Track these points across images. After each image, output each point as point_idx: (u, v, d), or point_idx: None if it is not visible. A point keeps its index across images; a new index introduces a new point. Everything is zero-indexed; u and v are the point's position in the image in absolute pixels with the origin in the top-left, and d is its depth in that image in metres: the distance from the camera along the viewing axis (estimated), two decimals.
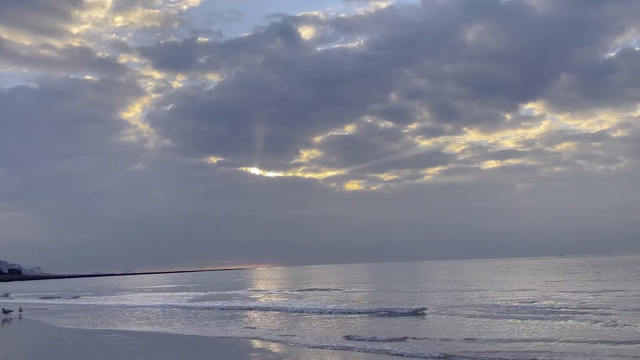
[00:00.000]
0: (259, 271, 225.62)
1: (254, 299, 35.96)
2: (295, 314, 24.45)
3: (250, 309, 27.88)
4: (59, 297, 52.34)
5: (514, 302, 24.06)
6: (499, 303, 23.75)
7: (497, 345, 13.50)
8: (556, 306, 21.66)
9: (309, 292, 41.53)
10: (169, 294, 48.87)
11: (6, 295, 59.09)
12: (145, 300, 40.03)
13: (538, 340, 13.84)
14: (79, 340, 18.70)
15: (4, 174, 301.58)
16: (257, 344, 15.66)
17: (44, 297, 53.98)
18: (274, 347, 14.91)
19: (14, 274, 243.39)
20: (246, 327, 19.44)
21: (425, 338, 15.22)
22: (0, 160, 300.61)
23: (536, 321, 17.38)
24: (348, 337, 16.05)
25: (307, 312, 24.72)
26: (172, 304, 34.19)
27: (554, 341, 13.64)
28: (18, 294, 63.36)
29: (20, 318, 30.04)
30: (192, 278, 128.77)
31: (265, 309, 27.54)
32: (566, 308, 20.78)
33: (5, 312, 30.39)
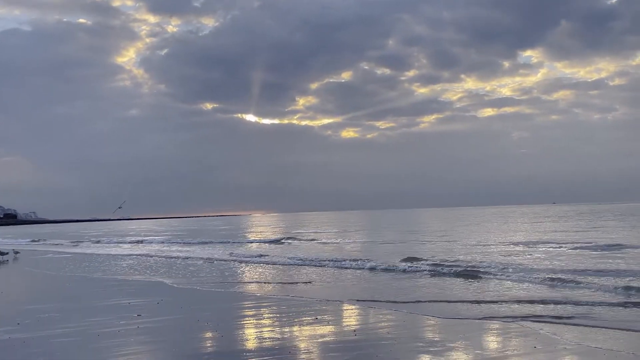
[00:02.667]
0: (253, 218, 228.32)
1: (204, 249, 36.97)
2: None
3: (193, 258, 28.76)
4: (56, 244, 53.46)
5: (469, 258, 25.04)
6: (458, 258, 23.87)
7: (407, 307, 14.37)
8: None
9: (259, 241, 43.22)
10: (158, 243, 50.06)
11: None
12: (136, 249, 41.19)
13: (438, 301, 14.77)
14: (74, 281, 19.89)
15: None
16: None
17: (38, 242, 55.29)
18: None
19: (10, 219, 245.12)
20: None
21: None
22: None
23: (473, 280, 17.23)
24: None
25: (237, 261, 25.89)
26: (166, 254, 35.31)
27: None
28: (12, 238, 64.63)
29: (15, 260, 31.18)
30: (187, 224, 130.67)
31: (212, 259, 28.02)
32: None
33: (1, 254, 31.51)
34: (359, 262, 21.89)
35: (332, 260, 23.06)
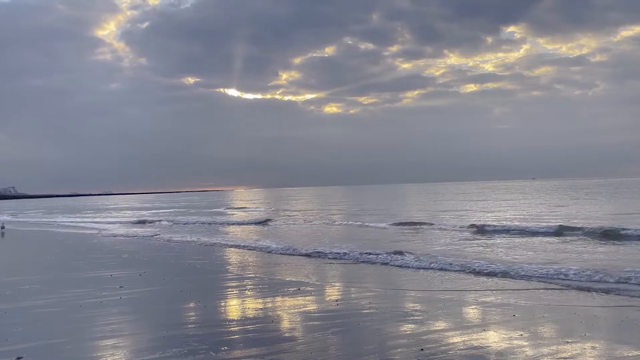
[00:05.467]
0: (234, 193, 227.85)
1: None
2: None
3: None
4: (37, 220, 53.06)
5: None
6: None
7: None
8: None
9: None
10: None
11: None
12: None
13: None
14: (56, 255, 19.75)
15: None
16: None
17: (19, 217, 54.80)
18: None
19: None
20: None
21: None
22: None
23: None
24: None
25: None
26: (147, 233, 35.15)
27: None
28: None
29: (2, 235, 30.84)
30: (169, 199, 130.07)
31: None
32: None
33: None
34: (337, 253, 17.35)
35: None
